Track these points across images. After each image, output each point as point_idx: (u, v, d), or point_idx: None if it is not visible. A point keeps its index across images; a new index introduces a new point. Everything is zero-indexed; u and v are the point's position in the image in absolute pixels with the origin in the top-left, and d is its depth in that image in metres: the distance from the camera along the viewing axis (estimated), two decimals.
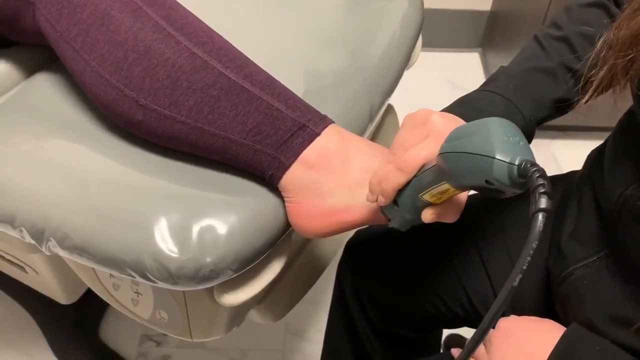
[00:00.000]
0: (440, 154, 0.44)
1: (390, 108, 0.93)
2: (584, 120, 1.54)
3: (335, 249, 0.82)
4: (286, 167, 0.54)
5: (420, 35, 0.83)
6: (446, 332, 1.17)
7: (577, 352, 0.53)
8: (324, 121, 0.55)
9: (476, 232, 0.73)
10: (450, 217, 0.48)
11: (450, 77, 1.77)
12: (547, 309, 0.67)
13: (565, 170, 0.76)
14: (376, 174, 0.50)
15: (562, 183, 0.72)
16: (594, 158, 0.65)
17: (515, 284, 0.35)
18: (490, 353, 0.56)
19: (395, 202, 0.50)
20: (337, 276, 0.82)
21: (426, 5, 0.85)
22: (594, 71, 0.53)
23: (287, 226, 0.57)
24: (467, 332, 1.14)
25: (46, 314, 1.12)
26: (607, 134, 0.65)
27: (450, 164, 0.43)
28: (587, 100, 0.54)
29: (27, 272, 0.84)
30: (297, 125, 0.54)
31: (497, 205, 0.73)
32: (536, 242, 0.35)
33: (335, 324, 0.85)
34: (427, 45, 0.87)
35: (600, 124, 1.50)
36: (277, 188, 0.56)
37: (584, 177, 0.65)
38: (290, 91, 0.57)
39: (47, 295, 0.92)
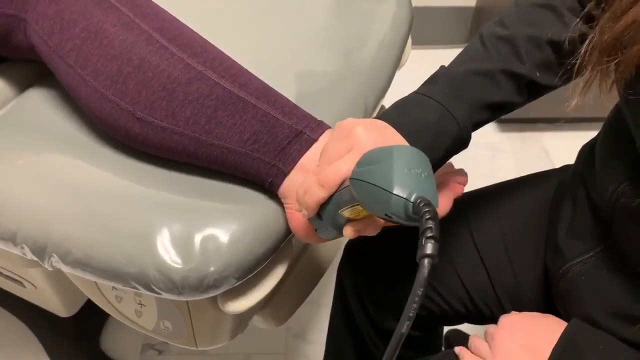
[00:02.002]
0: (349, 178, 0.44)
1: (382, 110, 0.93)
2: (574, 112, 1.55)
3: (335, 251, 0.82)
4: (285, 174, 0.54)
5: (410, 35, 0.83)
6: (447, 328, 1.18)
7: (579, 345, 0.54)
8: (320, 127, 0.56)
9: (474, 231, 0.73)
10: (371, 233, 0.48)
11: None
12: (547, 305, 0.68)
13: (556, 162, 0.77)
14: (302, 185, 0.50)
15: (556, 178, 0.72)
16: (586, 155, 0.65)
17: (404, 330, 0.34)
18: (493, 349, 0.57)
19: (319, 215, 0.50)
20: (338, 277, 0.83)
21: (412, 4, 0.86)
22: (581, 74, 0.52)
23: (288, 232, 0.58)
24: (467, 328, 1.15)
25: (46, 327, 1.12)
26: (596, 125, 0.65)
27: (357, 192, 0.43)
28: (575, 103, 0.54)
29: (25, 287, 0.84)
30: (294, 132, 0.55)
31: (494, 204, 0.74)
32: (421, 289, 0.34)
33: (337, 324, 0.86)
34: (414, 43, 0.87)
35: (589, 114, 1.51)
36: (277, 195, 0.56)
37: (576, 174, 0.66)
38: (286, 98, 0.57)
39: (46, 308, 0.92)
